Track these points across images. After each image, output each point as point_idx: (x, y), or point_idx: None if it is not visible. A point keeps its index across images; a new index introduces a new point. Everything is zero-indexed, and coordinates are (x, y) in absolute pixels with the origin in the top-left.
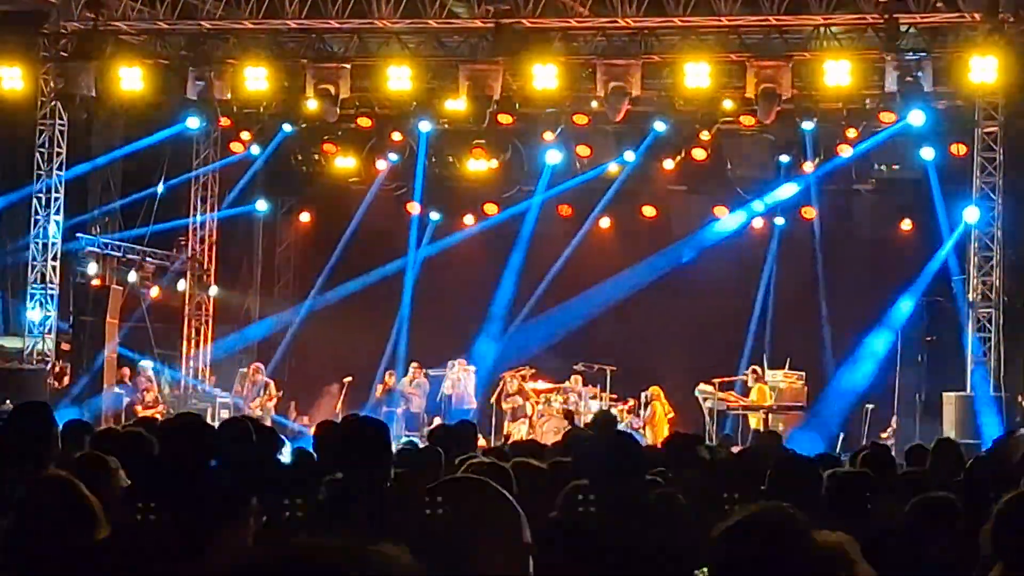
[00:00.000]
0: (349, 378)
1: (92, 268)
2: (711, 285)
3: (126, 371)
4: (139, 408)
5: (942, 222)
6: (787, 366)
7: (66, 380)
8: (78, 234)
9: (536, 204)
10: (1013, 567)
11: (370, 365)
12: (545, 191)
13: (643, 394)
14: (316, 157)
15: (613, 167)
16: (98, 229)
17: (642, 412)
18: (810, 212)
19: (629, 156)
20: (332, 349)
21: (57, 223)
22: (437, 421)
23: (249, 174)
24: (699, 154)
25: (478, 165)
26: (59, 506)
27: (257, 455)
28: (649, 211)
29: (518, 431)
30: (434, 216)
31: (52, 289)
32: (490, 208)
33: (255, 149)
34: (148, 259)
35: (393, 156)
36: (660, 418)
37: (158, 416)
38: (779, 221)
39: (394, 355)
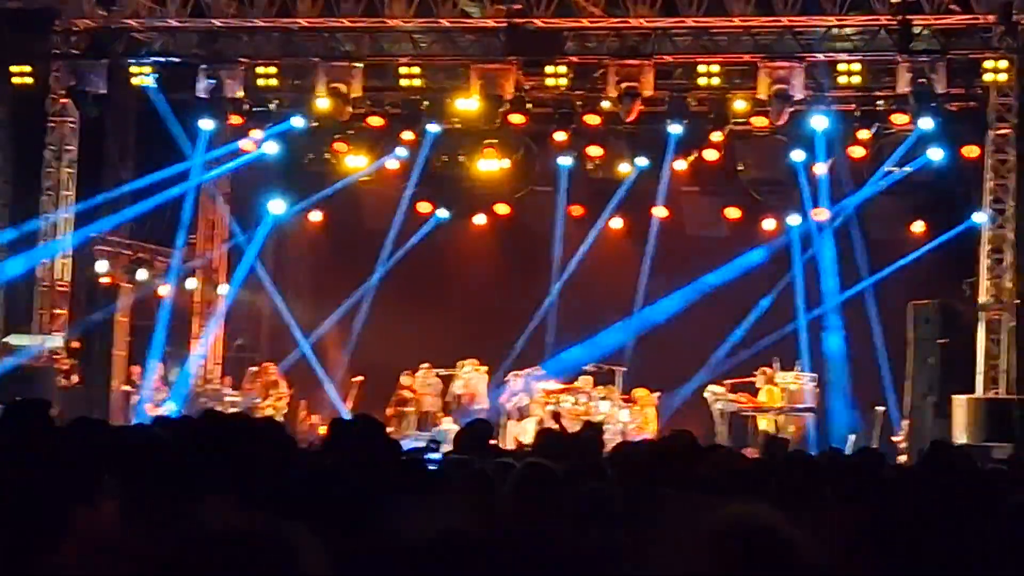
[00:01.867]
0: (360, 378)
1: (102, 266)
2: (725, 285)
3: (136, 369)
4: (150, 406)
5: (954, 224)
6: (798, 367)
7: (75, 378)
8: (89, 233)
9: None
10: None
11: (381, 364)
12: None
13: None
14: (327, 156)
15: (625, 168)
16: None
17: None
18: (821, 213)
19: (640, 160)
20: (343, 348)
21: (67, 220)
22: (448, 420)
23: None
24: (711, 155)
25: (489, 165)
26: None
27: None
28: (660, 212)
29: (523, 430)
30: (442, 213)
31: (62, 287)
32: (501, 208)
33: (268, 148)
34: (158, 257)
35: (402, 151)
36: (651, 419)
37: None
38: (793, 221)
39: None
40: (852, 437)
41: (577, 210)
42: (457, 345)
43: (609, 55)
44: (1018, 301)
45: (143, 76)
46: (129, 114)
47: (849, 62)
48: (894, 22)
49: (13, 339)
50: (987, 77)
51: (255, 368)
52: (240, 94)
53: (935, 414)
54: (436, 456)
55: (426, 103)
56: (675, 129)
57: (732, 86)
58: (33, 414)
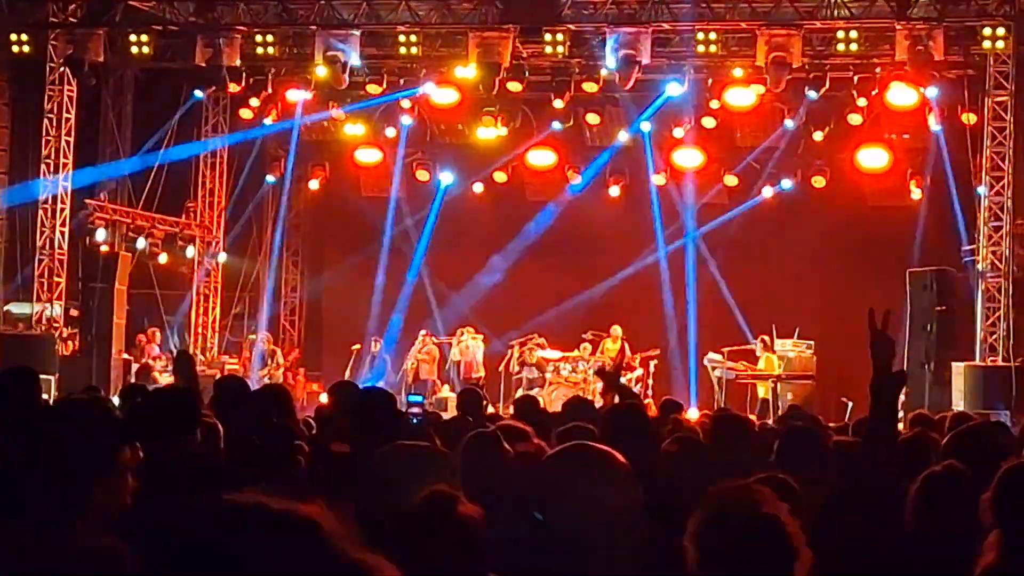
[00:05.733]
0: (357, 346)
1: (101, 234)
2: (720, 252)
3: (141, 338)
4: (156, 375)
5: (951, 191)
6: (796, 335)
7: (74, 346)
8: (87, 200)
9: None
10: (1013, 535)
11: (379, 332)
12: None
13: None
14: (325, 124)
15: (623, 136)
16: (107, 195)
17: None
18: (819, 181)
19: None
20: (341, 316)
21: (65, 189)
22: (446, 389)
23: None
24: (708, 122)
25: (487, 132)
26: None
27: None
28: (658, 179)
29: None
30: (446, 179)
31: (61, 255)
32: (499, 176)
33: (268, 120)
34: (157, 225)
35: (406, 119)
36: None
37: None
38: (787, 183)
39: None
40: (850, 404)
41: (575, 177)
42: (455, 313)
43: (607, 22)
44: (1016, 268)
45: (140, 45)
46: (127, 83)
47: (847, 29)
48: None
49: (13, 308)
50: (985, 44)
51: (252, 337)
52: (238, 62)
53: (933, 382)
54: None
55: (424, 71)
56: (675, 90)
57: (730, 53)
58: (19, 383)
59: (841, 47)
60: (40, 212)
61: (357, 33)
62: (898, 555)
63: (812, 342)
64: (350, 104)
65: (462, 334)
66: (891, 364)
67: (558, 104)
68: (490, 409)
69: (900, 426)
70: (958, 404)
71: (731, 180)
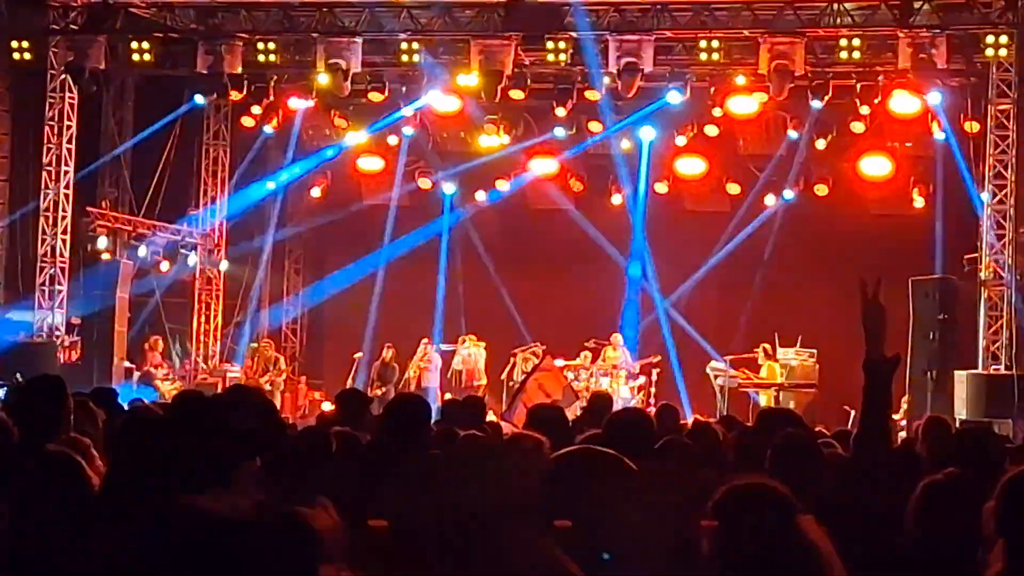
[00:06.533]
0: (359, 354)
1: (102, 242)
2: (720, 258)
3: (146, 346)
4: (158, 383)
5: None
6: (798, 344)
7: (75, 354)
8: (88, 207)
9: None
10: (1017, 544)
11: (383, 340)
12: None
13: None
14: (327, 131)
15: (626, 143)
16: (108, 203)
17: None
18: (822, 189)
19: (644, 133)
20: (342, 324)
21: (66, 196)
22: (448, 396)
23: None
24: (711, 130)
25: (490, 141)
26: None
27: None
28: (661, 187)
29: None
30: (448, 189)
31: (62, 263)
32: (501, 184)
33: (268, 128)
34: (158, 233)
35: (408, 130)
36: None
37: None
38: (788, 194)
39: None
40: (853, 413)
41: (577, 185)
42: (458, 320)
43: (609, 30)
44: (1019, 276)
45: (142, 52)
46: (128, 90)
47: (850, 37)
48: None
49: (14, 315)
50: (988, 52)
51: (254, 345)
52: (239, 70)
53: (935, 390)
54: None
55: (426, 79)
56: (675, 98)
57: (732, 61)
58: (47, 391)
59: (844, 55)
60: (41, 220)
61: (358, 41)
62: (900, 564)
63: (814, 350)
64: (353, 111)
65: (464, 342)
66: (884, 336)
67: (560, 112)
68: (491, 417)
69: (904, 433)
70: (960, 412)
71: (734, 188)
